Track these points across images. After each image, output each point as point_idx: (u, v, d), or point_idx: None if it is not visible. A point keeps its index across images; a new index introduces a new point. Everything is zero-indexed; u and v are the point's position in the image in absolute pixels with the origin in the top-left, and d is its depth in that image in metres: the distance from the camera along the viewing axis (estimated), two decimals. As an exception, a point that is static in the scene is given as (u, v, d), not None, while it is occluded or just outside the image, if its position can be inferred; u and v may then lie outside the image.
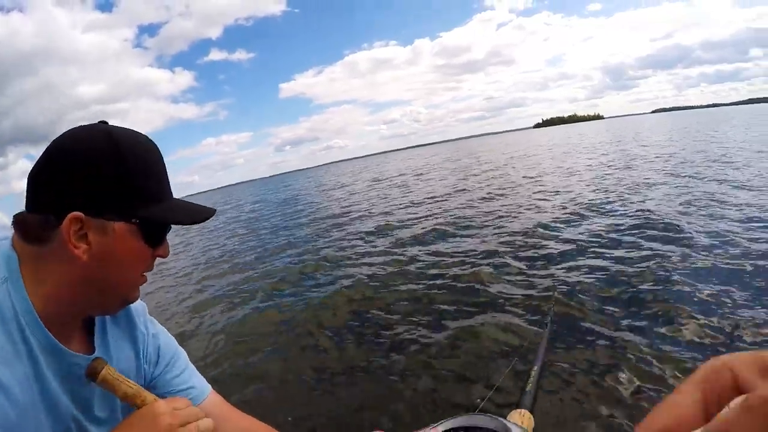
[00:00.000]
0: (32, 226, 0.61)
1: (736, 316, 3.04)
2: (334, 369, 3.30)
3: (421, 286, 4.74)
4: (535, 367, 2.28)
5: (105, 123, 0.66)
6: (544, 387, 2.44)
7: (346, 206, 14.07)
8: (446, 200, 11.08)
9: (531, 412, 1.74)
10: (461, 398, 2.61)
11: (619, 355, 2.79)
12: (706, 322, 3.03)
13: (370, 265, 5.97)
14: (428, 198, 12.11)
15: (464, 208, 9.49)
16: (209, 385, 0.89)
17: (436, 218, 8.71)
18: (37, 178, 0.61)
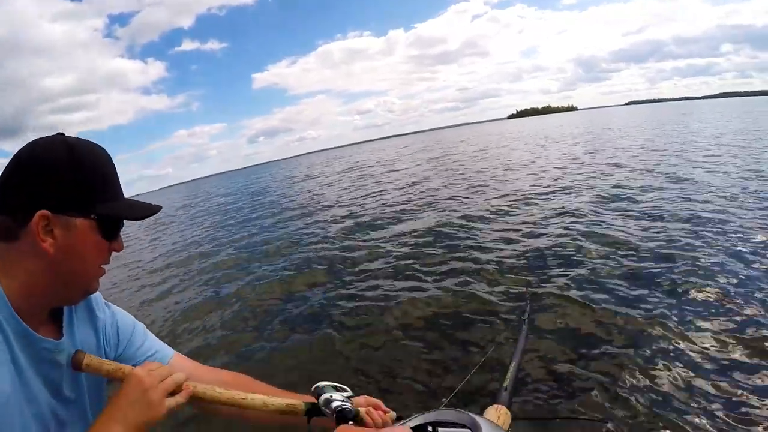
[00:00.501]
0: (2, 226, 0.68)
1: (720, 314, 3.10)
2: (297, 365, 3.34)
3: (392, 279, 4.76)
4: (513, 363, 2.25)
5: (62, 134, 0.74)
6: (521, 383, 2.48)
7: (314, 197, 14.47)
8: (419, 193, 10.92)
9: (508, 408, 1.73)
10: (433, 393, 2.63)
11: (597, 353, 2.83)
12: (684, 321, 3.08)
13: (342, 260, 5.92)
14: (402, 188, 12.34)
15: (447, 199, 9.35)
16: (172, 349, 0.98)
17: (415, 210, 8.67)
18: (6, 183, 0.68)
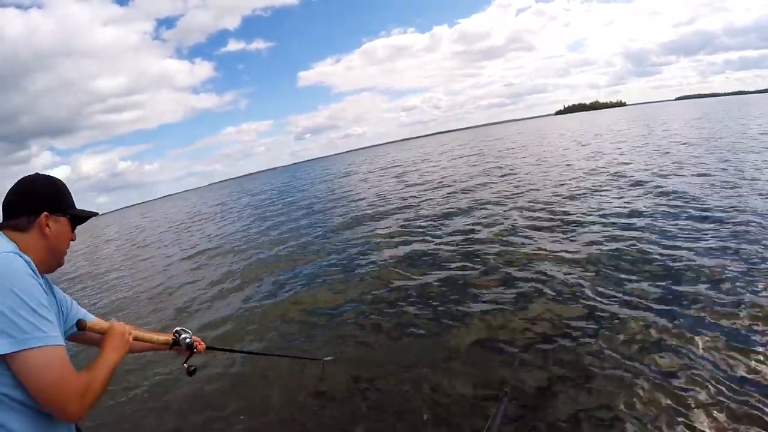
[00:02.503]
0: (21, 223, 1.17)
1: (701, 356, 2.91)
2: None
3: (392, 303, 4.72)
4: None
5: (39, 174, 1.28)
6: None
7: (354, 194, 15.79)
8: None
9: None
10: None
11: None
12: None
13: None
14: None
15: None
16: (91, 314, 1.50)
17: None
18: (19, 200, 1.20)
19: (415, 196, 12.16)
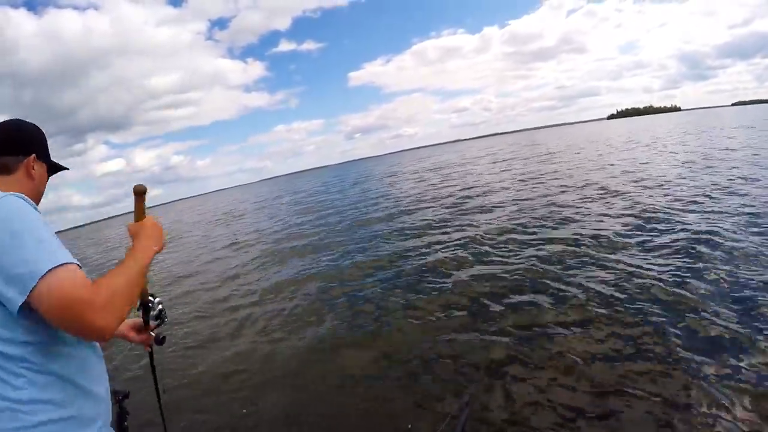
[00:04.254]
0: (8, 162, 1.17)
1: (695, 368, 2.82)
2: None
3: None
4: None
5: (20, 119, 1.26)
6: None
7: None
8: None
9: None
10: None
11: None
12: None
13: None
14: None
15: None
16: None
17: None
18: (9, 140, 1.18)
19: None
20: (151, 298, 1.40)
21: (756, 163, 10.94)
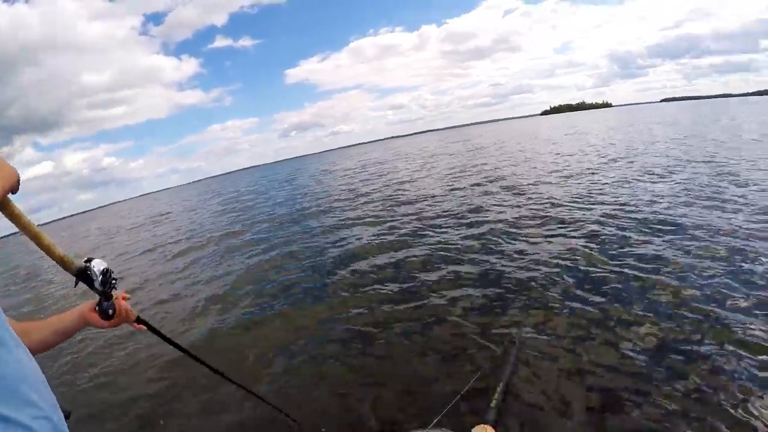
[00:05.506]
0: None
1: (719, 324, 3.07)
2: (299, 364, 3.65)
3: (386, 293, 4.84)
4: (501, 384, 2.29)
5: None
6: (508, 404, 2.44)
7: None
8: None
9: (494, 428, 1.76)
10: (424, 409, 2.57)
11: (584, 376, 2.73)
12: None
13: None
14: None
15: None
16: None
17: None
18: None
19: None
20: (86, 264, 1.09)
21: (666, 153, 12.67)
